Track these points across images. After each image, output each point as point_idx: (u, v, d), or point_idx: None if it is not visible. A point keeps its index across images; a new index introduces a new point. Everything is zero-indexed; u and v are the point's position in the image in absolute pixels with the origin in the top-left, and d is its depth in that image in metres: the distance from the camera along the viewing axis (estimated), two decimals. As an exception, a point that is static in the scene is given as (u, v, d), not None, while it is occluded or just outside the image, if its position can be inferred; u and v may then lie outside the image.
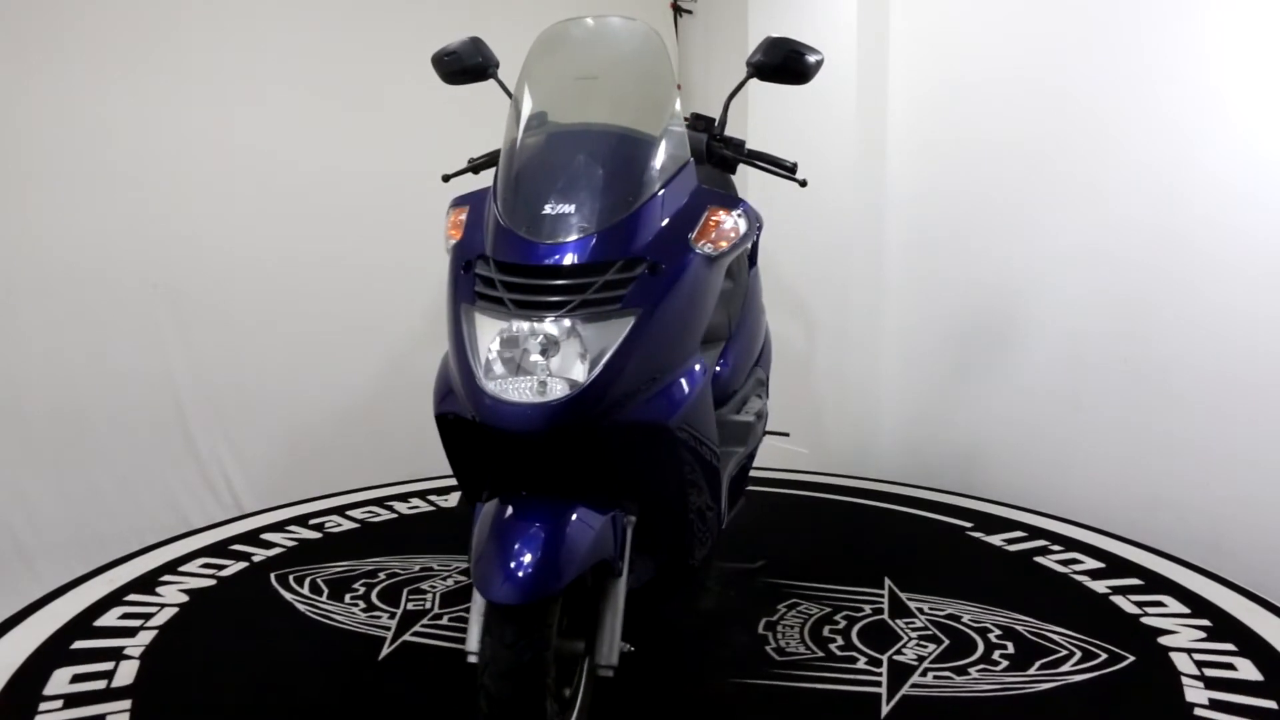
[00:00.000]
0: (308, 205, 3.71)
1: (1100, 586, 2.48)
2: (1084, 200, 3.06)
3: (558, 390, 1.48)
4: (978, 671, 2.02)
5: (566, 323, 1.50)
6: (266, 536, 2.87)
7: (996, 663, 2.06)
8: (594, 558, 1.50)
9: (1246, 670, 1.99)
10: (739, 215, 1.74)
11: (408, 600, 2.40)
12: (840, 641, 2.18)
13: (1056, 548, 2.76)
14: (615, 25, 1.84)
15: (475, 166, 2.13)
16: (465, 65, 1.98)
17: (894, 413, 3.77)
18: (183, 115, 3.45)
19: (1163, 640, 2.14)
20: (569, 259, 1.54)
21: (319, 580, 2.53)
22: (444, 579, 2.56)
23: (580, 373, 1.49)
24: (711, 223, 1.69)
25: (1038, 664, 2.04)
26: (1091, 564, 2.63)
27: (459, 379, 1.57)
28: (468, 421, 1.61)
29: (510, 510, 1.51)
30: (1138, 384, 2.94)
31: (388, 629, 2.23)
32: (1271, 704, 1.85)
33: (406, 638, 2.19)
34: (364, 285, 3.86)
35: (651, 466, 1.63)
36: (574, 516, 1.50)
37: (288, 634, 2.22)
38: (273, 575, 2.56)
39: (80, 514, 3.27)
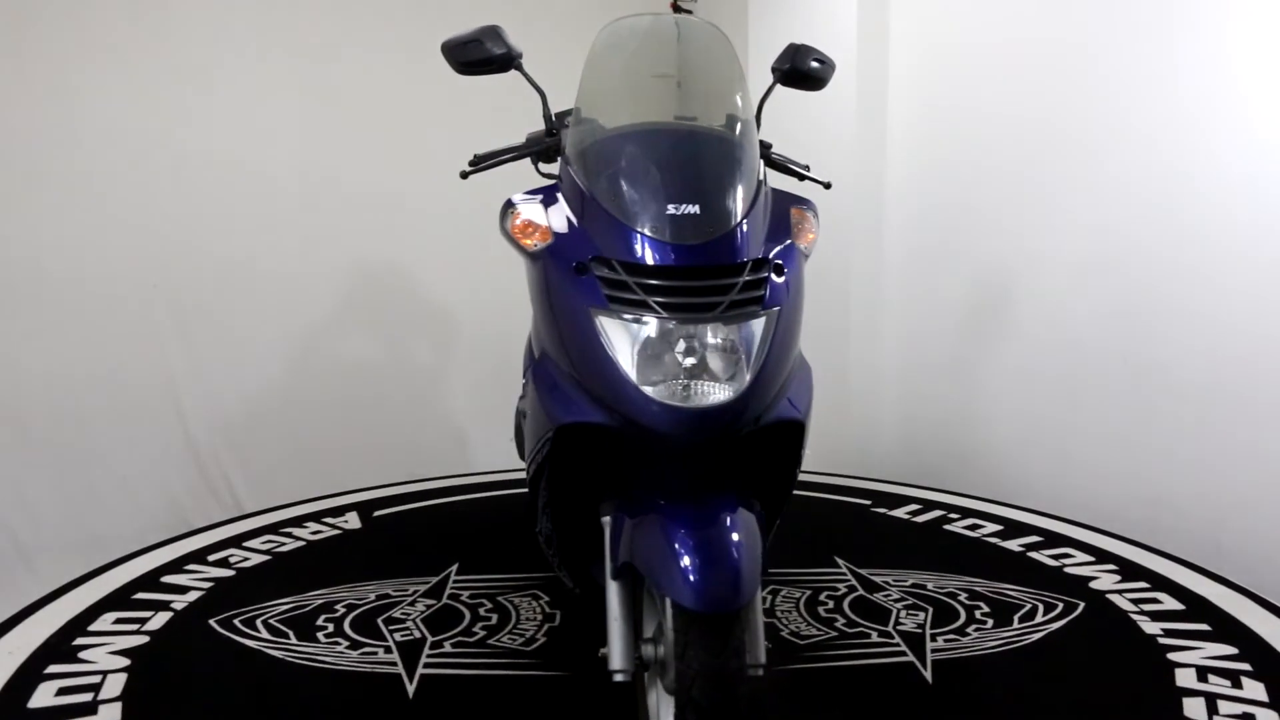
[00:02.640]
0: (308, 205, 3.67)
1: (1013, 546, 2.81)
2: (1084, 201, 3.09)
3: (722, 392, 1.46)
4: (975, 632, 2.23)
5: (722, 324, 1.48)
6: (169, 579, 2.49)
7: (983, 622, 2.28)
8: (762, 557, 1.50)
9: (1169, 602, 2.37)
10: (812, 214, 1.79)
11: (391, 632, 2.21)
12: (842, 620, 2.30)
13: (954, 516, 3.09)
14: (684, 24, 1.82)
15: (481, 165, 1.99)
16: (488, 55, 1.83)
17: (894, 413, 3.85)
18: (183, 116, 3.45)
19: (1094, 586, 2.49)
20: (709, 260, 1.51)
21: (272, 621, 2.25)
22: (411, 604, 2.37)
23: (743, 373, 1.47)
24: (796, 222, 1.73)
25: (1016, 619, 2.29)
26: (991, 527, 2.97)
27: (603, 387, 1.49)
28: (598, 430, 1.54)
29: (678, 517, 1.46)
30: (1138, 384, 2.96)
31: (393, 665, 2.04)
32: (1205, 626, 2.22)
33: (422, 670, 2.02)
34: (363, 285, 3.83)
35: (777, 464, 1.65)
36: (741, 519, 1.48)
37: (286, 685, 1.95)
38: (212, 621, 2.23)
39: (80, 514, 3.25)
